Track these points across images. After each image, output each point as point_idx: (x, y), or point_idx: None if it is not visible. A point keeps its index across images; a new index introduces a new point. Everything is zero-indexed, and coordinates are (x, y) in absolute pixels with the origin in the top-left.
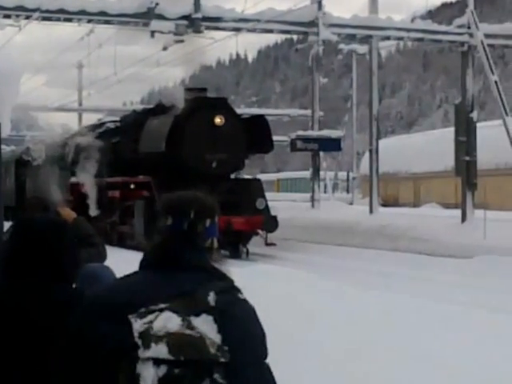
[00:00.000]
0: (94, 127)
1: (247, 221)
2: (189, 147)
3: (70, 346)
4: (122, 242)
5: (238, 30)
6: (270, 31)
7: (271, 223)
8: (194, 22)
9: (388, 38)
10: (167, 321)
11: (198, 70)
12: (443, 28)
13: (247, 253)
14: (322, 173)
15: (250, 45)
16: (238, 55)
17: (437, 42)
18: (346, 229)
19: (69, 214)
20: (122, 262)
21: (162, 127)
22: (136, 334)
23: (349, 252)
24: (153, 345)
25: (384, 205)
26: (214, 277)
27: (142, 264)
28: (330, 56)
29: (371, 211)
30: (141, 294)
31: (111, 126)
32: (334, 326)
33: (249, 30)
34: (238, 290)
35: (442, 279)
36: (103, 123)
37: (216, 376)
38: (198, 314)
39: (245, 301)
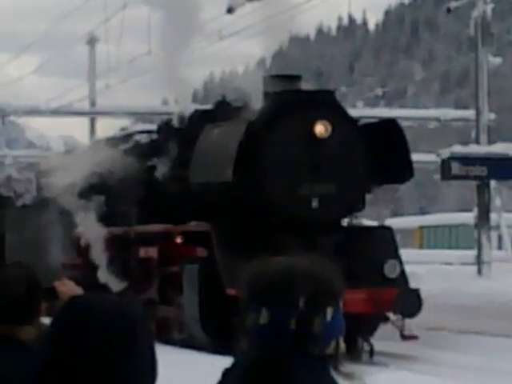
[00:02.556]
0: (115, 142)
1: (370, 298)
2: (272, 175)
3: None
4: (164, 334)
5: None
6: None
7: (410, 302)
8: None
9: None
10: None
11: (285, 45)
12: None
13: (371, 351)
14: (493, 216)
15: (371, 3)
16: (351, 19)
17: None
18: None
19: (72, 290)
20: (166, 368)
21: (226, 142)
22: None
23: None
24: None
25: None
26: None
27: None
28: (505, 20)
29: None
30: None
31: (144, 139)
32: None
33: None
34: None
35: None
36: (130, 135)
37: None
38: None
39: None
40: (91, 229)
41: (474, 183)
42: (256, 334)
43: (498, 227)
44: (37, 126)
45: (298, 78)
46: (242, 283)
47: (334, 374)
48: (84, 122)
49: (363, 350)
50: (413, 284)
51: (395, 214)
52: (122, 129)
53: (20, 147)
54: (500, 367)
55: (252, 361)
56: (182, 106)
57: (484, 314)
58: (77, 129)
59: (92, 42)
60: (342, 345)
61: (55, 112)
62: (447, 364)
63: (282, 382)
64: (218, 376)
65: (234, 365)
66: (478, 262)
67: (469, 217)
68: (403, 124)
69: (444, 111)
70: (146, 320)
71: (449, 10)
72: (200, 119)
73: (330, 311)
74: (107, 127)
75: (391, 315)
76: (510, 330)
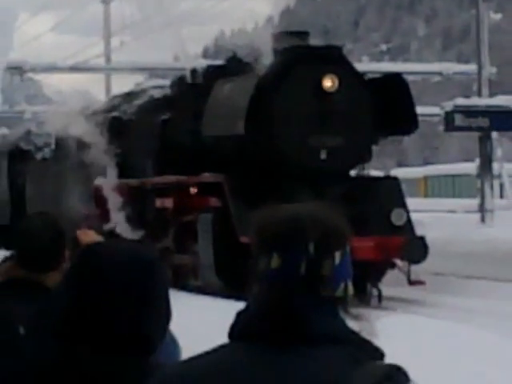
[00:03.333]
0: (130, 97)
1: (378, 245)
2: (282, 128)
3: None
4: (180, 281)
5: None
6: None
7: (416, 248)
8: None
9: None
10: None
11: (292, 3)
12: None
13: (379, 296)
14: (495, 166)
15: None
16: None
17: None
18: None
19: (93, 239)
20: (181, 313)
21: (238, 96)
22: None
23: None
24: None
25: None
26: (360, 352)
27: (234, 333)
28: None
29: None
30: None
31: (157, 94)
32: None
33: None
34: (405, 375)
35: None
36: (144, 90)
37: None
38: None
39: None
40: (109, 180)
41: (476, 134)
42: (267, 277)
43: (499, 176)
44: (54, 83)
45: (306, 34)
46: (253, 229)
47: (343, 316)
48: (100, 78)
49: (372, 295)
50: (419, 231)
51: (400, 165)
52: (137, 84)
53: (38, 103)
54: (502, 310)
55: (263, 301)
56: (188, 61)
57: (487, 260)
58: (93, 85)
59: (107, 0)
60: (351, 288)
61: (72, 69)
62: (452, 307)
63: (293, 321)
64: (231, 320)
65: (246, 308)
66: (481, 210)
67: (471, 167)
68: (407, 78)
69: (447, 65)
70: (160, 265)
71: None
72: (212, 74)
73: (338, 255)
74: (122, 83)
75: (398, 262)
76: None
